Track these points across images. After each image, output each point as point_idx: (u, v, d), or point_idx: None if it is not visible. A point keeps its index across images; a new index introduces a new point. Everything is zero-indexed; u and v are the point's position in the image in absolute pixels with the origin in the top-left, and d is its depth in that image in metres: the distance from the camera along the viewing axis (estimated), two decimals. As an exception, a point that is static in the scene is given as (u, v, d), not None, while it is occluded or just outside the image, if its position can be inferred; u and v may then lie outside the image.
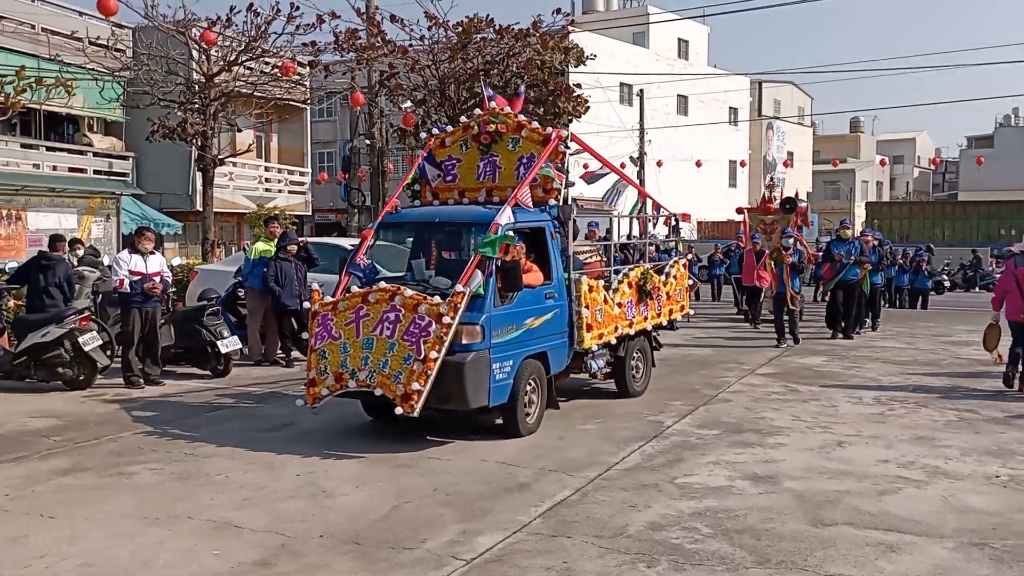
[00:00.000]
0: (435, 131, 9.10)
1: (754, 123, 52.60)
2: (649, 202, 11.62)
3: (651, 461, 7.20)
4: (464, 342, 7.35)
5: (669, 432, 8.22)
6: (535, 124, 8.87)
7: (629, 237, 12.28)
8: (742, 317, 18.21)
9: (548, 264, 8.44)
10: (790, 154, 54.70)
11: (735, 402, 9.68)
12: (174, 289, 12.36)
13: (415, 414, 7.13)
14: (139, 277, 10.33)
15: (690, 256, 23.34)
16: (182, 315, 11.67)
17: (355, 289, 7.93)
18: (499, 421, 8.06)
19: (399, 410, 7.14)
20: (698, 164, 35.86)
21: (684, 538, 5.40)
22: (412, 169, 9.34)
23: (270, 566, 4.99)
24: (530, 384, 7.99)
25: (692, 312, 12.17)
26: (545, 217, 8.59)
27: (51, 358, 10.12)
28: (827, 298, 16.40)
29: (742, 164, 44.44)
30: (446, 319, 7.21)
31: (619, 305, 9.29)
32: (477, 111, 9.11)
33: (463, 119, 9.19)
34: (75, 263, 12.67)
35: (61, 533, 5.50)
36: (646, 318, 9.92)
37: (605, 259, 10.24)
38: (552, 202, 8.66)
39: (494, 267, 7.57)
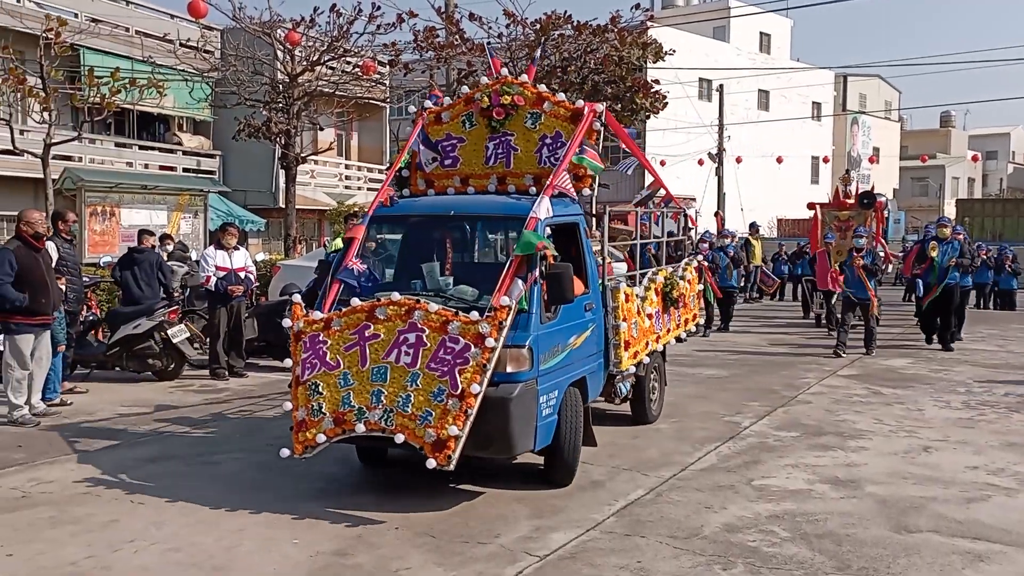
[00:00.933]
0: (428, 104, 7.57)
1: (838, 118, 51.24)
2: (654, 193, 9.88)
3: (727, 462, 7.09)
4: (509, 370, 5.75)
5: (746, 433, 8.09)
6: (560, 97, 7.30)
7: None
8: (813, 322, 17.24)
9: (584, 268, 6.87)
10: (876, 150, 53.03)
11: (815, 404, 9.46)
12: (257, 284, 12.69)
13: (451, 467, 5.50)
14: (224, 273, 10.74)
15: (781, 253, 22.89)
16: (265, 309, 11.98)
17: (357, 302, 6.06)
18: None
19: (432, 463, 5.49)
20: (779, 160, 35.11)
21: (761, 541, 5.31)
22: (402, 153, 7.52)
23: (347, 556, 5.09)
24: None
25: (702, 322, 11.49)
26: (578, 210, 7.05)
27: (142, 349, 10.55)
28: (915, 299, 15.55)
29: (825, 160, 43.31)
30: (489, 341, 5.58)
31: (649, 316, 7.99)
32: (484, 80, 7.46)
33: (465, 89, 7.45)
34: (164, 258, 13.11)
35: (149, 519, 5.70)
36: (668, 331, 8.65)
37: (617, 260, 9.12)
38: (587, 191, 6.98)
39: (538, 273, 6.04)
